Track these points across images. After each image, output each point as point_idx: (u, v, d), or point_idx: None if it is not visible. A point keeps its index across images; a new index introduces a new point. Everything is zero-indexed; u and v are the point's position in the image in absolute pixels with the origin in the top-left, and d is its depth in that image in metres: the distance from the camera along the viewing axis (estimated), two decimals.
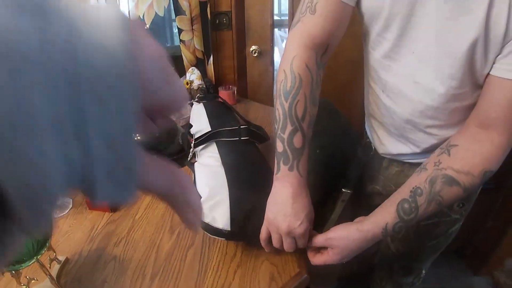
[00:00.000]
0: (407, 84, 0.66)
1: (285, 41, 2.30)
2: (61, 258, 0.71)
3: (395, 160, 0.84)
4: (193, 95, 1.62)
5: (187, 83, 1.61)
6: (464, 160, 0.58)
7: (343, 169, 0.93)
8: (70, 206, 0.90)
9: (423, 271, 1.05)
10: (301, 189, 0.61)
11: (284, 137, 0.61)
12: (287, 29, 1.83)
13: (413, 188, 0.61)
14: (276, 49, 2.57)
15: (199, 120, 1.02)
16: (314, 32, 0.63)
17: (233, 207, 0.64)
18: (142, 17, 1.67)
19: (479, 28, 0.52)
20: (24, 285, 0.64)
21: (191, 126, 1.06)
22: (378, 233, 0.61)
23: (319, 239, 0.65)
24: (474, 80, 0.59)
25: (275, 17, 1.79)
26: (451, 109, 0.64)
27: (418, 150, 0.75)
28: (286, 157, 0.61)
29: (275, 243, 0.62)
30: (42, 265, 0.60)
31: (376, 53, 0.69)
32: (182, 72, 1.72)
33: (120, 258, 0.72)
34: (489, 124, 0.57)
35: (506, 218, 1.56)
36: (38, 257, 0.59)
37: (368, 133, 0.91)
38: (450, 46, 0.57)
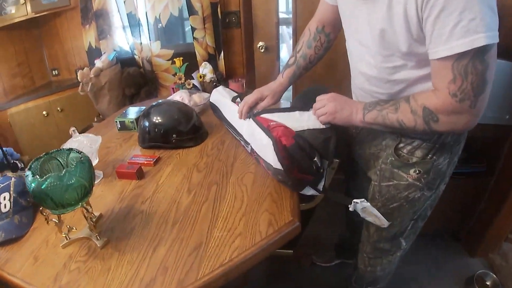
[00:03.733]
0: (358, 62, 0.94)
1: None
2: (96, 213, 0.86)
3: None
4: (205, 87, 1.78)
5: (200, 77, 1.77)
6: (416, 94, 0.79)
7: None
8: (101, 177, 1.06)
9: (402, 242, 1.13)
10: (277, 83, 1.12)
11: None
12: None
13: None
14: (284, 46, 2.68)
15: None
16: (316, 16, 1.11)
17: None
18: (158, 17, 1.83)
19: (383, 21, 0.75)
20: (64, 233, 0.80)
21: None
22: (359, 104, 0.89)
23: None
24: (398, 57, 0.79)
25: (284, 15, 1.93)
26: (386, 79, 0.86)
27: None
28: (282, 69, 1.13)
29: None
30: (86, 210, 0.75)
31: (347, 43, 0.98)
32: (195, 67, 1.88)
33: (146, 212, 0.87)
34: (435, 88, 0.75)
35: (498, 200, 1.61)
36: (83, 202, 0.74)
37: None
38: (372, 34, 0.80)
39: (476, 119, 0.73)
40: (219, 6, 1.72)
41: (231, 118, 1.15)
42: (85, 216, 0.77)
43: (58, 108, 2.12)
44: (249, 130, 0.99)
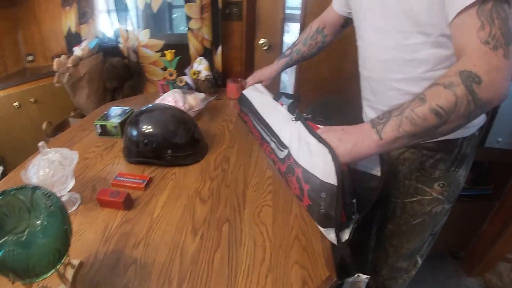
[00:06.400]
0: (375, 51, 0.88)
1: (287, 34, 2.23)
2: (75, 262, 0.66)
3: None
4: (199, 86, 1.57)
5: (194, 73, 1.55)
6: (444, 73, 0.64)
7: None
8: (79, 202, 0.85)
9: (418, 259, 1.08)
10: (272, 69, 1.30)
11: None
12: (297, 24, 1.76)
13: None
14: None
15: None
16: (321, 16, 1.19)
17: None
18: (149, 2, 1.60)
19: None
20: None
21: None
22: (363, 125, 0.69)
23: None
24: (418, 32, 0.74)
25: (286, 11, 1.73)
26: (405, 60, 0.80)
27: None
28: (278, 58, 1.29)
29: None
30: (62, 276, 0.55)
31: (357, 41, 0.95)
32: (187, 62, 1.66)
33: (141, 262, 0.67)
34: (462, 54, 0.64)
35: (501, 223, 1.60)
36: (58, 267, 0.53)
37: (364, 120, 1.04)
38: (390, 12, 0.78)
39: (510, 81, 0.61)
40: None
41: (265, 114, 1.03)
42: (63, 282, 0.57)
43: (32, 99, 1.83)
44: (295, 133, 0.80)
